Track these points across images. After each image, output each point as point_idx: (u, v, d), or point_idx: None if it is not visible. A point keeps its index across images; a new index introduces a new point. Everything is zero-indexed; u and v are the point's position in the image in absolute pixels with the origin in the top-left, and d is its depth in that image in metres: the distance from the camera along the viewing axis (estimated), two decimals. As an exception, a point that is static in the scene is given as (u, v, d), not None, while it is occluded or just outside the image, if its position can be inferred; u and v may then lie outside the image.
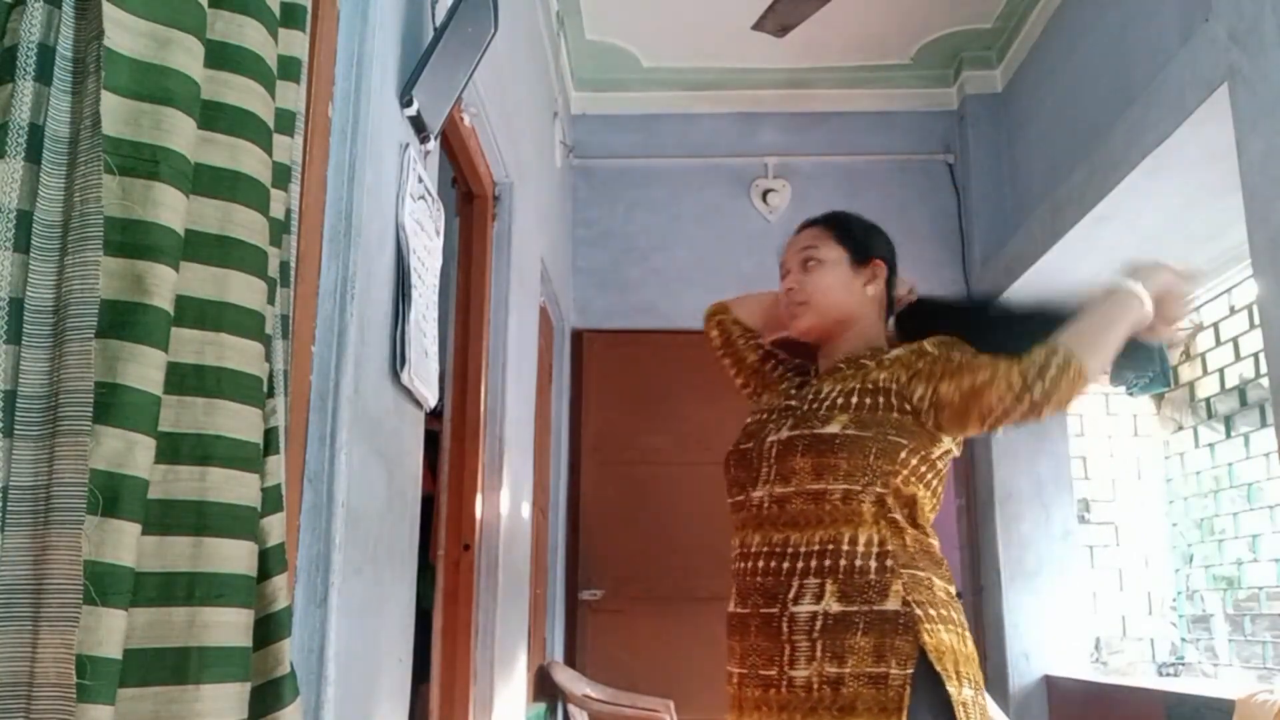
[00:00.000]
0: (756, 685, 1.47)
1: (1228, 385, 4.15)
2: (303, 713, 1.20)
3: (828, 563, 1.46)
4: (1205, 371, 4.31)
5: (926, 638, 1.39)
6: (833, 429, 1.50)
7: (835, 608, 1.42)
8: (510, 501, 3.18)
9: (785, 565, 1.48)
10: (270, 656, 1.06)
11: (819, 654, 1.41)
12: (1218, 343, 4.23)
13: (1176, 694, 3.34)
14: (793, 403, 1.63)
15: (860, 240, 1.69)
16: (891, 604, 1.41)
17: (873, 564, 1.44)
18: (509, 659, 3.16)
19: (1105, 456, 4.72)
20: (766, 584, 1.50)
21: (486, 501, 2.94)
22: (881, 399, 1.53)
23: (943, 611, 1.44)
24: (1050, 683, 4.36)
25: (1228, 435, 4.14)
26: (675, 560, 4.63)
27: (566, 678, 4.07)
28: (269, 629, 1.06)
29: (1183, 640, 4.45)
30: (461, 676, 2.78)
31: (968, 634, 1.48)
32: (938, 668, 1.38)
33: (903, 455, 1.49)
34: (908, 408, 1.52)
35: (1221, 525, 4.19)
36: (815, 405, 1.57)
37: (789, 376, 1.80)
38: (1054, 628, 4.45)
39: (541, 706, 3.85)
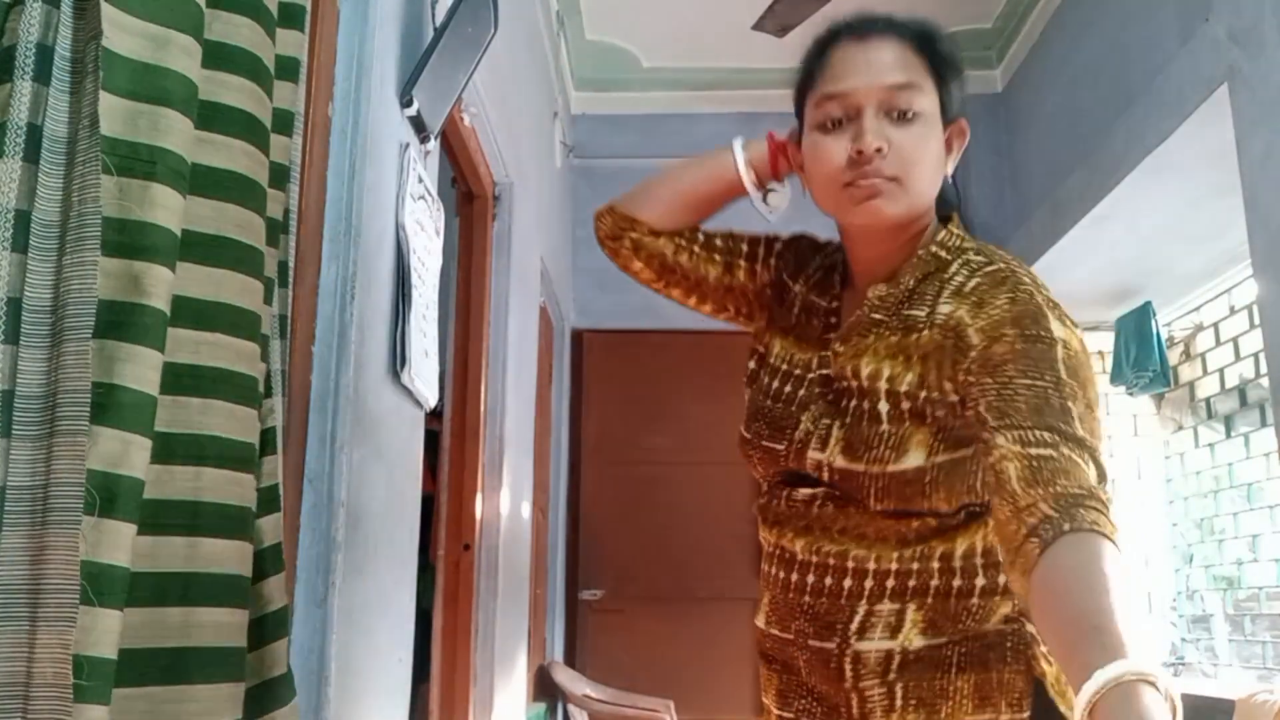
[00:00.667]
0: None
1: (1228, 385, 4.14)
2: (300, 713, 1.20)
3: (912, 583, 1.03)
4: (1205, 371, 4.31)
5: (1045, 665, 1.01)
6: (914, 462, 1.02)
7: (918, 643, 1.02)
8: (510, 501, 3.18)
9: (847, 584, 1.05)
10: (267, 657, 1.06)
11: (899, 704, 1.02)
12: (1218, 343, 4.22)
13: (1176, 694, 3.34)
14: (829, 370, 1.12)
15: (955, 88, 1.11)
16: (993, 624, 1.03)
17: (978, 582, 1.03)
18: (509, 659, 3.16)
19: (1105, 456, 4.71)
20: (818, 607, 1.07)
21: (486, 501, 2.94)
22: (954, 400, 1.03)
23: None
24: (1050, 683, 4.35)
25: (1228, 435, 4.13)
26: (675, 560, 4.63)
27: (566, 678, 4.07)
28: (266, 629, 1.06)
29: (1183, 640, 4.44)
30: (461, 676, 2.78)
31: None
32: (1061, 706, 1.00)
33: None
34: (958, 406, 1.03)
35: (1221, 525, 4.18)
36: (863, 404, 1.06)
37: (794, 292, 1.25)
38: (1054, 628, 4.44)
39: (541, 706, 3.85)
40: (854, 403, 1.07)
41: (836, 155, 1.08)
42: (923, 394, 1.03)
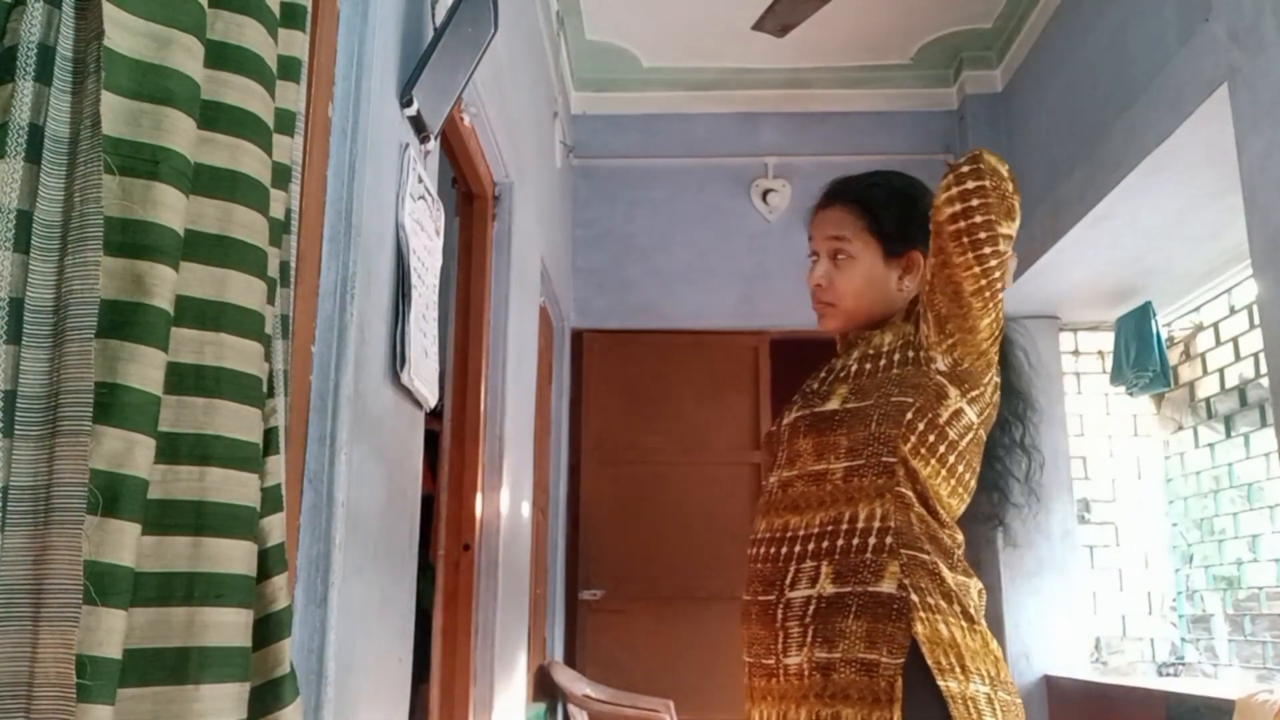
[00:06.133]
0: (760, 675, 1.43)
1: (1228, 385, 4.15)
2: (303, 713, 1.20)
3: (825, 544, 1.37)
4: (1205, 371, 4.31)
5: (919, 627, 1.30)
6: (832, 405, 1.44)
7: (830, 590, 1.34)
8: (510, 501, 3.18)
9: (783, 551, 1.41)
10: (271, 656, 1.06)
11: (809, 639, 1.34)
12: (1218, 343, 4.23)
13: (1176, 694, 3.34)
14: (812, 385, 1.56)
15: (895, 229, 1.54)
16: (886, 586, 1.32)
17: (871, 540, 1.35)
18: (509, 659, 3.16)
19: (1105, 456, 4.72)
20: (765, 571, 1.44)
21: (486, 501, 2.94)
22: (884, 360, 1.46)
23: (943, 602, 1.33)
24: (1050, 683, 4.36)
25: (1228, 435, 4.14)
26: (675, 560, 4.64)
27: (566, 678, 4.07)
28: (269, 629, 1.06)
29: (1183, 640, 4.45)
30: (461, 676, 2.78)
31: (977, 628, 1.36)
32: (929, 660, 1.28)
33: (909, 417, 1.39)
34: (910, 355, 1.44)
35: (1221, 525, 4.19)
36: (821, 385, 1.52)
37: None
38: (1054, 628, 4.45)
39: (541, 706, 3.85)
40: (818, 385, 1.54)
41: (809, 283, 1.59)
42: (868, 363, 1.48)
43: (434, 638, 2.79)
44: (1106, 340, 4.77)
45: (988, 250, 1.32)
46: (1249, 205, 2.68)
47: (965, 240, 1.32)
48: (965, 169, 1.33)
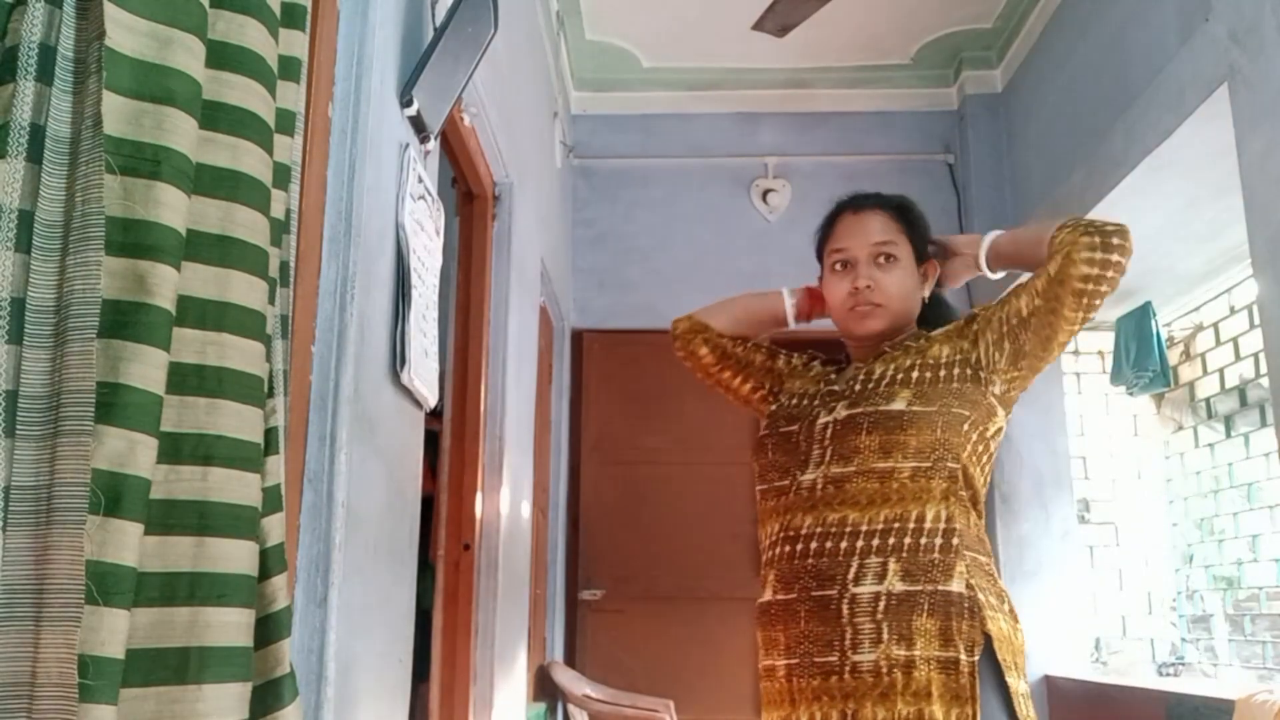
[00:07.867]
0: (814, 674, 1.39)
1: (1228, 385, 4.15)
2: (303, 713, 1.20)
3: (891, 540, 1.39)
4: (1205, 371, 4.31)
5: (991, 625, 1.35)
6: (898, 405, 1.45)
7: (899, 587, 1.36)
8: (510, 501, 3.18)
9: (844, 545, 1.40)
10: (270, 656, 1.06)
11: (886, 636, 1.34)
12: (1218, 343, 4.23)
13: (1176, 694, 3.34)
14: (836, 387, 1.56)
15: (922, 239, 1.63)
16: (956, 585, 1.36)
17: (939, 541, 1.38)
18: (509, 659, 3.16)
19: (1105, 456, 4.72)
20: (820, 566, 1.41)
21: (486, 501, 2.94)
22: (944, 372, 1.49)
23: (995, 600, 1.39)
24: (1050, 683, 4.36)
25: (1228, 435, 4.14)
26: (675, 560, 4.64)
27: (566, 678, 4.07)
28: (269, 629, 1.06)
29: (1183, 640, 4.45)
30: (461, 676, 2.78)
31: (1018, 626, 1.43)
32: (999, 656, 1.34)
33: (965, 428, 1.44)
34: (969, 372, 1.48)
35: (1221, 525, 4.19)
36: (871, 385, 1.51)
37: (813, 365, 1.71)
38: (1054, 628, 4.45)
39: (541, 706, 3.86)
40: (860, 388, 1.51)
41: (843, 290, 1.58)
42: (929, 372, 1.49)
43: (434, 637, 2.79)
44: (1106, 340, 4.77)
45: (1093, 316, 1.42)
46: (1249, 205, 2.68)
47: (1084, 301, 1.40)
48: (1114, 240, 1.39)
